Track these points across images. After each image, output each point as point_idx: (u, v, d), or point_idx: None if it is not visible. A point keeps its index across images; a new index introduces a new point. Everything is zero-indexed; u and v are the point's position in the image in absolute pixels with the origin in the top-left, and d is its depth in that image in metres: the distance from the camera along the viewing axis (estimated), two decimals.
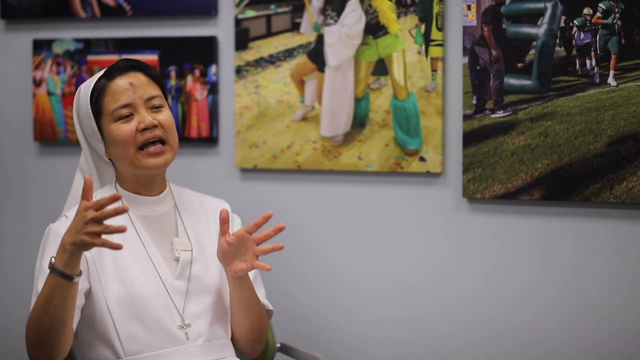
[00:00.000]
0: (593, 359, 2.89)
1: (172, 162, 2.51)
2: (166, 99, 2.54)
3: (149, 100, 2.48)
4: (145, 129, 2.45)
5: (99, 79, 2.49)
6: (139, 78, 2.49)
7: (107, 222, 2.18)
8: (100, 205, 2.16)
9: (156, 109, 2.49)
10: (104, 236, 2.18)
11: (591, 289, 2.88)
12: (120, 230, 2.16)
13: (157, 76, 2.54)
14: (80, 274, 2.25)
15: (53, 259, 2.25)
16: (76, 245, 2.20)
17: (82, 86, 2.54)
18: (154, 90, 2.50)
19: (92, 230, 2.16)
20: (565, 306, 2.91)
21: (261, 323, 2.58)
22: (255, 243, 2.44)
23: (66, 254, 2.22)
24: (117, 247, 2.17)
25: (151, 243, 2.49)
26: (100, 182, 2.58)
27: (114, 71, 2.49)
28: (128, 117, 2.46)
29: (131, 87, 2.47)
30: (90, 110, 2.48)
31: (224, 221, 2.45)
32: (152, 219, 2.52)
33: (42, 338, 2.29)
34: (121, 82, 2.47)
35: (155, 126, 2.46)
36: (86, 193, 2.21)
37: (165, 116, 2.49)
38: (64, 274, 2.23)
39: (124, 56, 3.25)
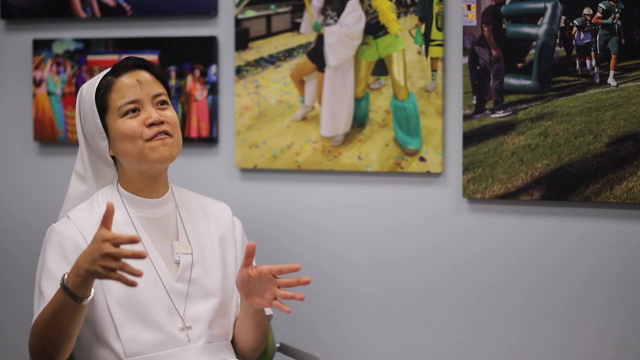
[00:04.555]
0: (592, 357, 2.90)
1: (175, 159, 2.51)
2: (170, 99, 2.55)
3: (155, 97, 2.50)
4: (152, 124, 2.46)
5: (105, 76, 2.50)
6: (145, 76, 2.50)
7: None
8: (118, 243, 2.13)
9: (162, 106, 2.50)
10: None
11: (591, 289, 2.88)
12: (137, 274, 2.13)
13: (162, 75, 2.55)
14: (90, 296, 2.23)
15: (66, 275, 2.23)
16: (90, 273, 2.18)
17: (85, 85, 2.55)
18: (159, 88, 2.51)
19: (107, 265, 2.14)
20: (564, 306, 2.91)
21: (265, 334, 2.59)
22: (277, 285, 2.41)
23: (79, 278, 2.20)
24: (132, 284, 2.14)
25: (152, 245, 2.49)
26: (97, 184, 2.57)
27: (120, 68, 2.50)
28: (135, 113, 2.47)
29: (138, 84, 2.48)
30: (95, 107, 2.49)
31: (250, 254, 2.40)
32: (153, 221, 2.52)
33: (45, 346, 2.30)
34: (128, 79, 2.48)
35: (162, 122, 2.47)
36: (106, 220, 2.17)
37: (171, 113, 2.51)
38: (75, 295, 2.22)
39: (124, 56, 3.24)
